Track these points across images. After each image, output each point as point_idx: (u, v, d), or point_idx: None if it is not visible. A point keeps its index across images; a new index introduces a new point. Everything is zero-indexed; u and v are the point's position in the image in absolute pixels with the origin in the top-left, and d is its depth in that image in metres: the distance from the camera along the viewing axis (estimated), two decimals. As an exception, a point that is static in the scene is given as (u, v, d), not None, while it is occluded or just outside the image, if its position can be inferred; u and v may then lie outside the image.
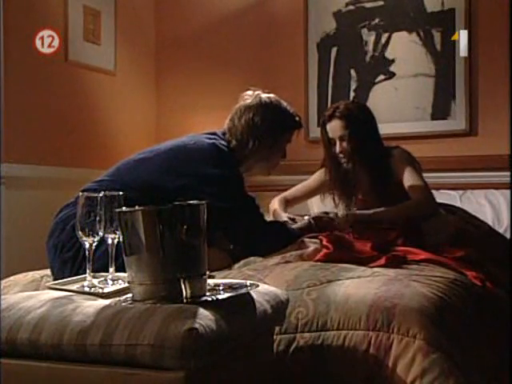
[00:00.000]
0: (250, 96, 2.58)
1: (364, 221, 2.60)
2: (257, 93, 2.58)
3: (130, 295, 1.57)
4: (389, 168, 2.75)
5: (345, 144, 2.75)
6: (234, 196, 2.42)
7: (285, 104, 2.61)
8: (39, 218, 2.73)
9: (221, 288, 1.63)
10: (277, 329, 1.83)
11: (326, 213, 2.73)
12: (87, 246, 1.69)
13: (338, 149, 2.77)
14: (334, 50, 4.07)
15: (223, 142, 2.53)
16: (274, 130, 2.55)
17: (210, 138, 2.53)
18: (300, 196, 3.11)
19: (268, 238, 2.44)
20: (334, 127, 2.76)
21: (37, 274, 2.40)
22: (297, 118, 2.62)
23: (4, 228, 3.02)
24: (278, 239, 2.45)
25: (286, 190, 3.79)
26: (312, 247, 2.34)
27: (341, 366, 1.79)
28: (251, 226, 2.44)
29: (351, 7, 4.02)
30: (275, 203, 3.03)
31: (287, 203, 3.04)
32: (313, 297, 1.91)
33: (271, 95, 2.60)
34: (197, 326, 1.36)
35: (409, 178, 2.70)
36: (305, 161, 3.78)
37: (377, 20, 3.96)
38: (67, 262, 2.25)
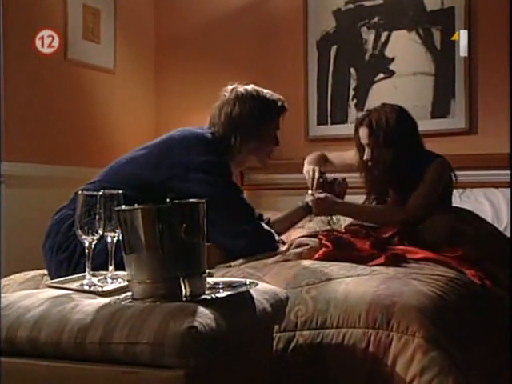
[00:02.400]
0: (227, 91, 2.54)
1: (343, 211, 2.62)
2: (233, 86, 2.53)
3: (129, 294, 1.57)
4: (417, 179, 2.64)
5: (372, 152, 2.69)
6: (218, 184, 2.36)
7: (264, 92, 2.53)
8: (39, 216, 2.73)
9: (220, 286, 1.63)
10: (276, 327, 1.83)
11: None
12: (87, 244, 1.69)
13: (365, 156, 2.72)
14: (334, 49, 4.07)
15: (210, 132, 2.49)
16: (255, 121, 2.48)
17: (197, 129, 2.50)
18: (335, 165, 3.04)
19: (246, 238, 2.36)
20: (362, 134, 2.71)
21: (37, 272, 2.40)
22: (279, 103, 2.54)
23: (4, 226, 3.02)
24: (255, 243, 2.37)
25: (284, 188, 3.80)
26: (309, 246, 2.34)
27: (340, 364, 1.79)
28: (231, 220, 2.35)
29: (351, 6, 4.02)
30: (311, 158, 2.97)
31: (324, 162, 2.97)
32: (312, 295, 1.91)
33: (248, 86, 2.53)
34: (196, 324, 1.36)
35: (419, 191, 2.63)
36: (304, 159, 3.78)
37: (376, 18, 3.96)
38: (63, 262, 2.24)
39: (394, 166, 2.64)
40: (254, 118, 2.49)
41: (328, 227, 2.96)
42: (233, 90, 2.53)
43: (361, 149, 2.75)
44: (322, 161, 2.99)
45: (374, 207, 2.72)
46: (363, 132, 2.70)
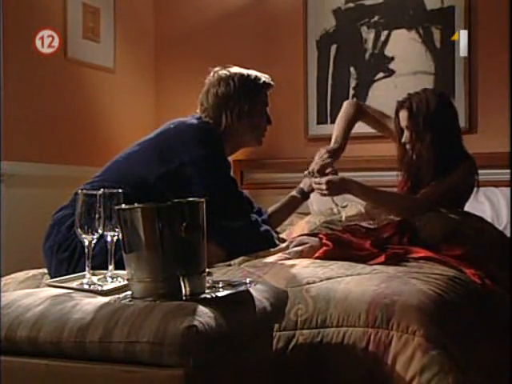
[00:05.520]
0: (210, 76, 2.58)
1: (358, 192, 2.60)
2: (216, 69, 2.58)
3: (129, 293, 1.57)
4: (442, 171, 2.63)
5: (411, 135, 2.69)
6: (215, 181, 2.37)
7: (246, 71, 2.57)
8: (39, 215, 2.73)
9: (220, 285, 1.63)
10: (276, 326, 1.83)
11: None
12: (86, 243, 1.69)
13: (404, 139, 2.72)
14: (334, 48, 4.07)
15: (204, 121, 2.50)
16: (242, 98, 2.51)
17: (191, 119, 2.51)
18: (374, 120, 2.96)
19: (243, 235, 2.39)
20: (402, 117, 2.71)
21: (37, 271, 2.40)
22: (263, 79, 2.57)
23: (4, 225, 3.02)
24: (252, 241, 2.40)
25: (284, 187, 3.79)
26: (309, 245, 2.34)
27: (340, 363, 1.79)
28: (228, 217, 2.38)
29: (351, 5, 4.01)
30: (348, 106, 2.91)
31: (359, 113, 2.91)
32: (312, 294, 1.91)
33: (231, 68, 2.57)
34: (196, 323, 1.36)
35: (435, 183, 2.63)
36: (304, 158, 3.76)
37: (376, 17, 3.96)
38: (63, 262, 2.24)
39: (431, 150, 2.65)
40: (240, 94, 2.51)
41: (328, 218, 2.96)
42: (215, 73, 2.57)
43: (400, 133, 2.75)
44: (357, 118, 2.89)
45: (386, 191, 2.72)
46: (403, 115, 2.71)
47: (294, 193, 2.80)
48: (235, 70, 2.56)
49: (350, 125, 2.84)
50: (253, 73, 2.57)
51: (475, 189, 2.71)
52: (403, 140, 2.72)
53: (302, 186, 2.78)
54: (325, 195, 2.64)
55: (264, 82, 2.57)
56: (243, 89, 2.52)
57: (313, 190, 2.69)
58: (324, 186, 2.57)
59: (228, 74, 2.54)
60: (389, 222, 2.56)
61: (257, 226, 2.45)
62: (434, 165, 2.65)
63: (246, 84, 2.53)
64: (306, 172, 2.70)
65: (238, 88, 2.51)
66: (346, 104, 2.93)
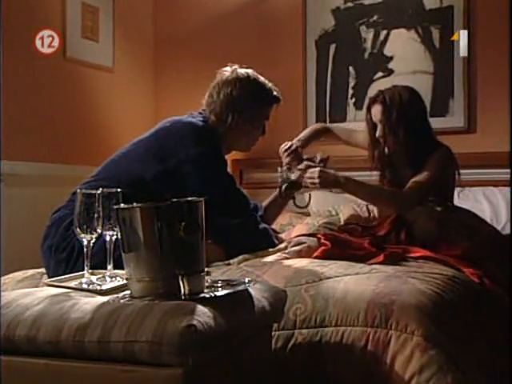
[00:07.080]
0: (227, 71, 2.57)
1: (341, 184, 2.58)
2: (234, 67, 2.57)
3: (127, 292, 1.57)
4: (418, 164, 2.66)
5: (384, 129, 2.70)
6: (213, 178, 2.37)
7: (262, 79, 2.58)
8: (39, 215, 2.72)
9: (219, 285, 1.63)
10: (275, 325, 1.83)
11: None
12: (85, 243, 1.70)
13: (377, 133, 2.73)
14: (333, 48, 4.07)
15: (201, 119, 2.50)
16: (253, 104, 2.53)
17: (187, 117, 2.51)
18: (340, 138, 3.03)
19: (242, 233, 2.39)
20: (375, 111, 2.73)
21: (36, 271, 2.40)
22: (275, 93, 2.59)
23: (3, 225, 3.02)
24: (251, 238, 2.40)
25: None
26: (307, 244, 2.34)
27: (339, 363, 1.79)
28: (227, 214, 2.37)
29: (350, 4, 4.02)
30: (311, 128, 3.00)
31: (324, 131, 3.01)
32: (311, 293, 1.91)
33: (249, 70, 2.57)
34: (195, 322, 1.36)
35: (419, 175, 2.64)
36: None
37: (375, 17, 3.96)
38: (61, 262, 2.24)
39: (404, 144, 2.67)
40: (253, 101, 2.52)
41: (325, 220, 2.96)
42: (233, 70, 2.55)
43: (372, 129, 2.76)
44: (320, 133, 2.99)
45: (378, 187, 2.73)
46: (376, 109, 2.72)
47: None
48: (252, 74, 2.56)
49: (314, 133, 2.96)
50: (267, 83, 2.58)
51: (457, 179, 2.73)
52: (377, 134, 2.72)
53: (291, 175, 2.77)
54: (315, 186, 2.61)
55: (275, 96, 2.59)
56: (257, 97, 2.54)
57: (301, 178, 2.65)
58: (316, 177, 2.55)
59: (246, 76, 2.54)
60: (384, 218, 2.56)
61: (256, 224, 2.44)
62: (408, 157, 2.68)
63: (261, 93, 2.55)
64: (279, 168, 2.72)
65: (252, 94, 2.52)
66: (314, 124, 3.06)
